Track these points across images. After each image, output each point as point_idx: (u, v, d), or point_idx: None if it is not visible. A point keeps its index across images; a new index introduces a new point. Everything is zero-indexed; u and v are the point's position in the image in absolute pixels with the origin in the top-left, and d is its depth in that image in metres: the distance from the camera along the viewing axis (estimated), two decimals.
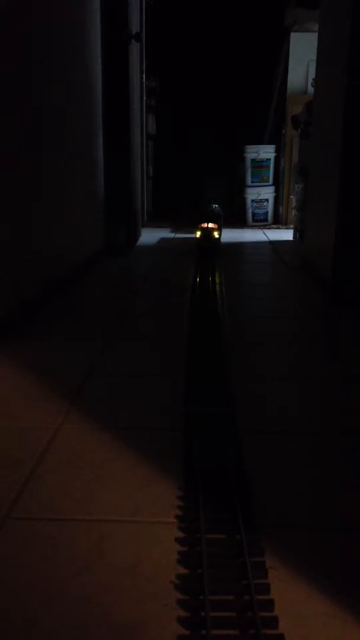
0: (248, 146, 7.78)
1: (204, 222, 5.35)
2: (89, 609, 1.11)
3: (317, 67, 4.60)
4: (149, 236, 6.77)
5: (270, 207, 7.90)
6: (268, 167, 7.76)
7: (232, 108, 9.21)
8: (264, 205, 7.89)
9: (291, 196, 7.07)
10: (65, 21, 4.01)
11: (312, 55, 4.90)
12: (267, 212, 7.92)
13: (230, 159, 8.62)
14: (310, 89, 6.25)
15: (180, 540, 1.30)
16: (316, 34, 4.60)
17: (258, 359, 2.60)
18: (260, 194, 7.83)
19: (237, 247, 6.18)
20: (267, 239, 6.66)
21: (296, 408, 2.07)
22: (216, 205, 6.22)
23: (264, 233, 7.22)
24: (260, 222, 7.91)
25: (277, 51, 7.77)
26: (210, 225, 5.32)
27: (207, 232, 5.27)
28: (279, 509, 1.44)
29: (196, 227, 5.36)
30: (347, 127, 3.43)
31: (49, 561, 1.24)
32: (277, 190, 7.84)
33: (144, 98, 7.46)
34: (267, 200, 7.87)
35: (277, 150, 7.74)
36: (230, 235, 6.66)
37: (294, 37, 7.09)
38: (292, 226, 6.98)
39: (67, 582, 1.18)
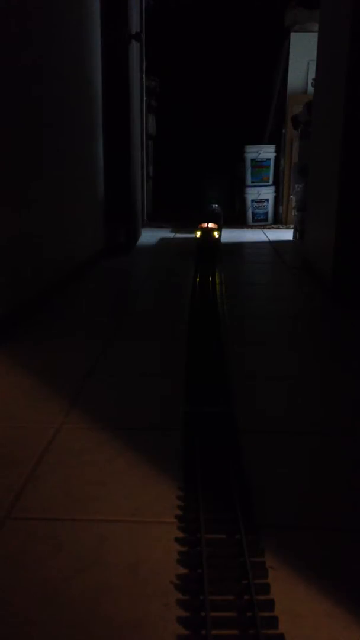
0: (248, 146, 7.79)
1: (204, 222, 5.35)
2: (88, 609, 1.11)
3: (317, 67, 4.60)
4: (149, 236, 6.77)
5: (270, 207, 7.91)
6: (268, 167, 7.76)
7: (232, 108, 9.22)
8: (264, 205, 7.89)
9: (291, 196, 7.08)
10: (65, 21, 4.01)
11: (312, 55, 4.90)
12: (267, 212, 7.92)
13: (230, 159, 8.63)
14: (310, 89, 6.25)
15: (180, 540, 1.30)
16: (316, 34, 4.61)
17: (258, 359, 2.60)
18: (260, 194, 7.84)
19: (237, 247, 6.18)
20: (267, 239, 6.66)
21: (296, 408, 2.07)
22: (216, 205, 6.22)
23: (264, 233, 7.22)
24: (260, 222, 7.91)
25: (277, 51, 7.78)
26: (210, 225, 5.32)
27: (207, 232, 5.27)
28: (279, 509, 1.44)
29: (196, 227, 5.36)
30: (347, 127, 3.43)
31: (48, 561, 1.24)
32: (277, 190, 7.84)
33: (144, 98, 7.47)
34: (267, 200, 7.87)
35: (277, 150, 7.74)
36: (230, 235, 6.66)
37: (294, 37, 7.10)
38: (292, 226, 6.99)
39: (67, 582, 1.18)
